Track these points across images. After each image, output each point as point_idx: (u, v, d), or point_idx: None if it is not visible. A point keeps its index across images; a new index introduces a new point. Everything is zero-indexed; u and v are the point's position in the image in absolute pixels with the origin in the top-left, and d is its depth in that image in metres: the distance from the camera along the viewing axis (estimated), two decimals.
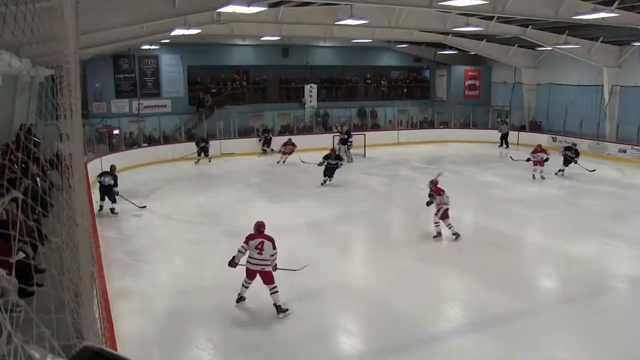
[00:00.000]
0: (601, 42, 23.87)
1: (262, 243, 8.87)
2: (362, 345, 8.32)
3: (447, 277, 10.75)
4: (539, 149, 19.85)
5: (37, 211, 3.28)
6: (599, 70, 25.53)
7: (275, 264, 9.15)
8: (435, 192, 12.94)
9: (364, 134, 25.87)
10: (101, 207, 15.17)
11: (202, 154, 23.46)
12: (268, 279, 8.95)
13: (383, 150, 26.13)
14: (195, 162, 23.00)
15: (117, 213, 15.20)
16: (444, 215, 12.81)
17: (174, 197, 17.08)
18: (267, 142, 25.67)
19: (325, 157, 18.96)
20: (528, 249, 12.61)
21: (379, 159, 24.36)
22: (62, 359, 1.02)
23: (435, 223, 12.94)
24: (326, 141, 24.71)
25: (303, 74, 31.27)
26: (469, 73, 33.79)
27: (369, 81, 33.71)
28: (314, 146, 25.12)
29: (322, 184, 18.62)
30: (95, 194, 14.98)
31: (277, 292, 8.89)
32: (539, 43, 24.37)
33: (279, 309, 8.82)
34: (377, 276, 10.91)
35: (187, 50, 27.73)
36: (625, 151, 24.11)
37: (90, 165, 17.53)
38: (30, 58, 11.40)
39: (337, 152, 19.88)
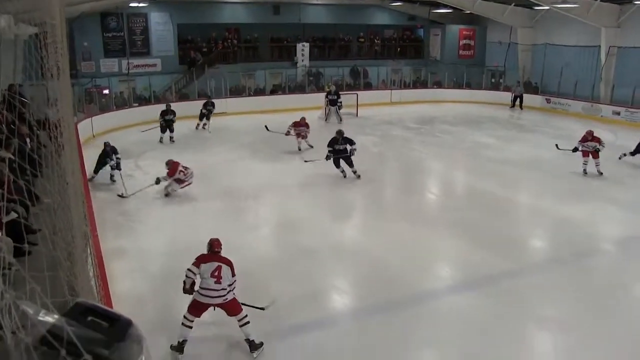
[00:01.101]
0: (600, 0, 23.42)
1: (219, 269, 6.77)
2: (354, 304, 8.43)
3: (439, 237, 10.84)
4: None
5: (27, 171, 3.25)
6: (597, 30, 25.12)
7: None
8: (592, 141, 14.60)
9: (356, 94, 25.70)
10: (167, 139, 19.09)
11: (205, 118, 21.51)
12: (234, 308, 6.98)
13: (376, 109, 26.00)
14: (197, 127, 21.53)
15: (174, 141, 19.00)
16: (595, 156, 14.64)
17: (166, 157, 16.97)
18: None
19: (331, 144, 14.61)
20: (520, 210, 12.69)
21: (372, 118, 24.26)
22: (55, 314, 1.01)
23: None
24: (318, 100, 24.62)
25: (295, 32, 30.86)
26: (464, 32, 33.42)
27: (362, 40, 33.31)
28: (307, 105, 25.03)
29: (343, 176, 14.79)
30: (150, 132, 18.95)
31: (248, 323, 6.94)
32: (536, 2, 24.04)
33: (252, 346, 6.89)
34: (369, 236, 10.98)
35: (177, 8, 27.32)
36: (619, 113, 23.93)
37: (80, 125, 17.39)
38: (11, 14, 11.15)
39: (343, 134, 14.69)
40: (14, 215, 5.56)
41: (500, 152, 18.17)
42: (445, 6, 28.71)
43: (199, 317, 6.87)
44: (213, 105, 21.82)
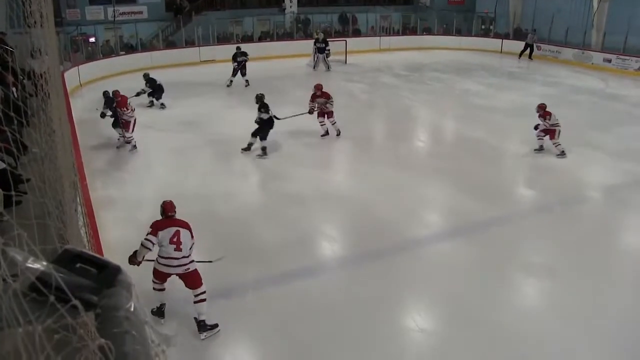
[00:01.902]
0: None
1: (177, 234, 6.21)
2: (343, 250, 8.54)
3: (427, 184, 10.93)
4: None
5: (13, 120, 3.23)
6: None
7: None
8: (543, 116, 12.36)
9: (345, 40, 25.40)
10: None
11: (240, 72, 19.66)
12: (194, 281, 6.39)
13: (364, 57, 25.79)
14: (228, 85, 19.77)
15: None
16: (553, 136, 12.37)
17: (154, 106, 16.86)
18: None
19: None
20: (507, 157, 12.74)
21: (361, 65, 24.09)
22: (43, 261, 1.04)
23: (539, 137, 12.50)
24: (307, 48, 24.35)
25: None
26: None
27: None
28: (295, 53, 24.80)
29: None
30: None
31: (204, 300, 6.35)
32: None
33: (202, 326, 6.30)
34: (357, 183, 11.05)
35: None
36: (610, 61, 23.86)
37: (67, 74, 17.16)
38: None
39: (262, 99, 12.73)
40: (2, 164, 5.55)
41: (490, 99, 18.15)
42: None
43: (164, 280, 6.43)
44: (245, 54, 19.86)
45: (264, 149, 12.32)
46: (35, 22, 3.91)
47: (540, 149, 12.57)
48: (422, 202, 10.20)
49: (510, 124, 15.21)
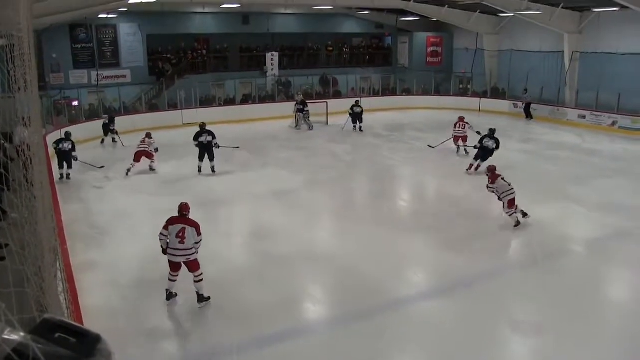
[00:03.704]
0: (562, 8, 24.01)
1: (183, 230, 7.94)
2: (328, 311, 8.46)
3: (411, 242, 10.92)
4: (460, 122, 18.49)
5: None
6: (560, 36, 25.76)
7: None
8: (492, 179, 11.81)
9: (326, 102, 25.72)
10: (62, 176, 15.44)
11: (305, 119, 23.43)
12: (194, 266, 8.14)
13: (346, 118, 26.08)
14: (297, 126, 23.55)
15: (70, 179, 15.68)
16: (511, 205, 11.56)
17: (135, 167, 16.86)
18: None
19: (196, 137, 15.87)
20: (490, 212, 12.80)
21: (342, 126, 24.30)
22: (21, 332, 1.02)
23: (508, 212, 11.65)
24: (288, 109, 24.69)
25: (264, 41, 30.88)
26: (431, 40, 33.78)
27: (331, 49, 33.41)
28: (277, 115, 25.08)
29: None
30: (54, 164, 15.32)
31: (202, 280, 8.13)
32: (501, 9, 24.50)
33: (201, 298, 8.15)
34: (342, 242, 11.03)
35: (146, 18, 27.14)
36: (584, 117, 24.41)
37: (49, 138, 17.17)
38: None
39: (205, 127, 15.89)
40: None
41: (469, 157, 18.32)
42: (412, 14, 29.07)
43: (178, 272, 8.14)
44: (304, 103, 23.25)
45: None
46: (19, 88, 3.94)
47: (517, 223, 11.68)
48: (407, 260, 10.17)
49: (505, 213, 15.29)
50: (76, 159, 15.82)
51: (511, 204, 11.53)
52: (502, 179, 11.71)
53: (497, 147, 15.75)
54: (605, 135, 22.27)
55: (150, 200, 13.69)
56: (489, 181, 11.94)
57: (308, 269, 9.71)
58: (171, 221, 8.08)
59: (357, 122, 23.26)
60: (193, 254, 8.03)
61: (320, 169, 16.59)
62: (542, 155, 18.37)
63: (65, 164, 15.55)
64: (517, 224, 11.60)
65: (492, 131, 16.18)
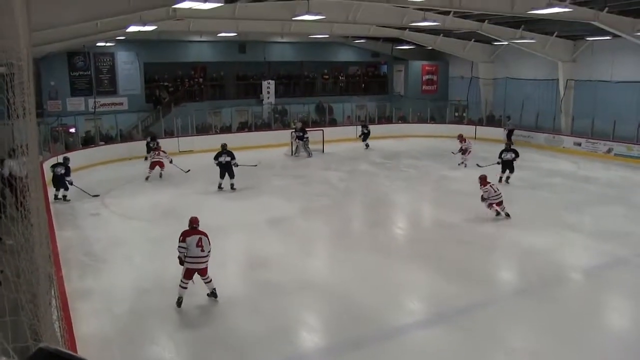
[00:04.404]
0: (556, 36, 24.38)
1: (201, 239, 8.94)
2: (324, 341, 8.39)
3: (406, 270, 10.89)
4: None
5: None
6: (554, 64, 26.11)
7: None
8: (482, 185, 13.88)
9: (322, 130, 25.84)
10: (56, 197, 16.07)
11: (304, 146, 24.08)
12: (205, 271, 9.13)
13: (341, 145, 26.20)
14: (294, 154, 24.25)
15: (69, 200, 16.27)
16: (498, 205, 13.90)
17: (132, 195, 16.88)
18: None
19: (216, 157, 17.27)
20: (486, 240, 12.82)
21: (338, 154, 24.42)
22: None
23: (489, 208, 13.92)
24: (285, 137, 24.80)
25: (260, 70, 31.11)
26: (427, 68, 34.13)
27: (327, 77, 33.74)
28: (273, 142, 25.19)
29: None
30: (51, 187, 16.01)
31: (211, 280, 9.20)
32: (495, 38, 24.79)
33: (214, 294, 9.23)
34: (338, 271, 11.00)
35: (144, 47, 27.41)
36: (580, 144, 24.62)
37: (46, 165, 17.18)
38: None
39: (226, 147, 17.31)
40: None
41: (465, 184, 18.35)
42: (408, 43, 29.39)
43: (190, 280, 8.91)
44: (304, 130, 24.25)
45: None
46: (17, 116, 3.97)
47: (497, 214, 14.02)
48: (402, 288, 10.13)
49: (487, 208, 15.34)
50: (71, 183, 16.18)
51: (496, 205, 13.85)
52: (491, 186, 13.86)
53: (516, 157, 18.02)
54: (600, 162, 22.40)
55: (145, 227, 13.68)
56: (480, 187, 13.93)
57: (303, 298, 9.66)
58: (187, 234, 8.99)
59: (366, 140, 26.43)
60: (207, 260, 9.02)
61: (315, 197, 16.60)
62: (538, 183, 18.44)
63: (61, 187, 16.20)
64: (497, 213, 13.94)
65: (507, 145, 19.15)
